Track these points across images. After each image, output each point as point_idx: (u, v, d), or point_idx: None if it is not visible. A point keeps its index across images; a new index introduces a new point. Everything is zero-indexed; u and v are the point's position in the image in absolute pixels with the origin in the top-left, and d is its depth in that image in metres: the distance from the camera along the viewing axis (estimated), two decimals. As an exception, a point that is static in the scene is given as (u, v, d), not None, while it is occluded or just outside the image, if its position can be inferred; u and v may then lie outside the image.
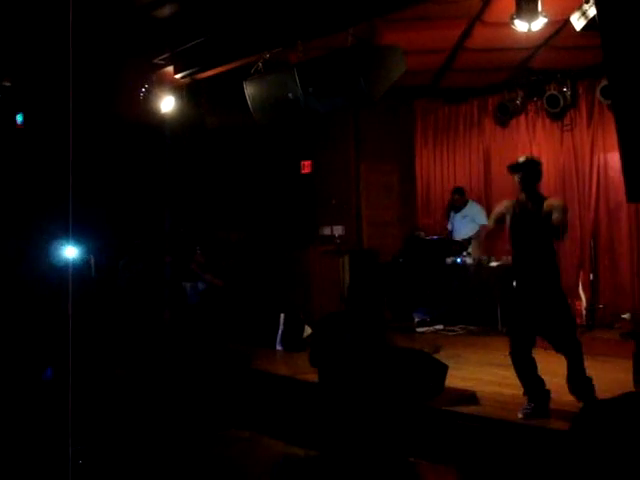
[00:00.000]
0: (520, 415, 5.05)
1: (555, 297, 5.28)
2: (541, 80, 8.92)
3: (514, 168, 5.44)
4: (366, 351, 5.36)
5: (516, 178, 5.39)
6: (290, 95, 6.45)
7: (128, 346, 8.02)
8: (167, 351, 7.71)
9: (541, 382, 5.22)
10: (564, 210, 5.31)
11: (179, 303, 8.88)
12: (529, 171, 5.37)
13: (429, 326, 8.95)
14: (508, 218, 5.49)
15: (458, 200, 9.61)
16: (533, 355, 5.25)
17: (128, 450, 5.41)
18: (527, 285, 5.32)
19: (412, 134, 10.65)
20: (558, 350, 5.23)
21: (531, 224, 5.32)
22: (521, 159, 5.53)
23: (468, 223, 9.39)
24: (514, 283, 5.44)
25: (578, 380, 5.14)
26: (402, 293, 9.27)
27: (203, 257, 9.42)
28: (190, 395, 6.62)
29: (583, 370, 5.14)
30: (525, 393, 5.24)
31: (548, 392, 5.20)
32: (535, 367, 5.25)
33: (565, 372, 5.18)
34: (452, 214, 9.70)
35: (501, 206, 5.65)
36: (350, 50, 6.06)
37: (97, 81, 8.27)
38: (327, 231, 10.06)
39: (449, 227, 9.74)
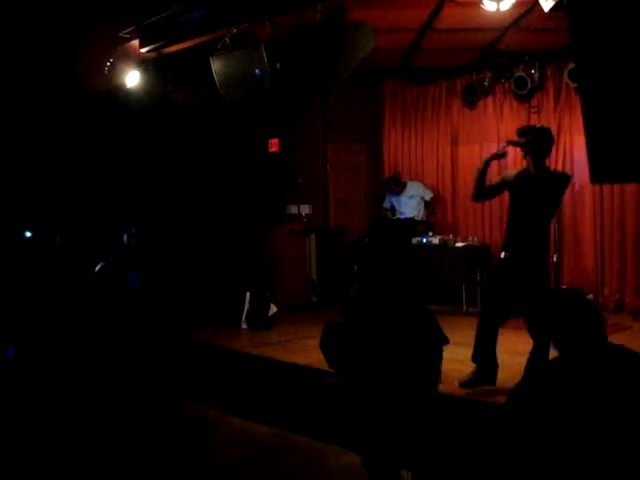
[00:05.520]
0: (456, 383, 5.18)
1: (540, 276, 5.19)
2: (509, 62, 8.93)
3: (522, 132, 5.30)
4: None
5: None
6: (257, 71, 6.38)
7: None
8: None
9: (493, 356, 5.25)
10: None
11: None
12: (536, 139, 5.19)
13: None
14: (509, 188, 5.34)
15: (395, 189, 9.66)
16: (500, 334, 5.23)
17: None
18: (517, 258, 5.22)
19: (380, 114, 10.64)
20: (530, 330, 5.09)
21: (533, 196, 5.18)
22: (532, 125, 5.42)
23: (413, 201, 9.57)
24: (502, 255, 5.33)
25: (540, 364, 5.02)
26: (368, 272, 9.26)
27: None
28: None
29: (547, 355, 4.92)
30: (473, 360, 5.31)
31: (496, 366, 5.26)
32: (494, 341, 5.25)
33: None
34: (389, 196, 9.75)
35: (501, 176, 5.51)
36: (318, 27, 6.00)
37: (61, 54, 8.11)
38: (294, 210, 10.03)
39: (387, 205, 9.78)
